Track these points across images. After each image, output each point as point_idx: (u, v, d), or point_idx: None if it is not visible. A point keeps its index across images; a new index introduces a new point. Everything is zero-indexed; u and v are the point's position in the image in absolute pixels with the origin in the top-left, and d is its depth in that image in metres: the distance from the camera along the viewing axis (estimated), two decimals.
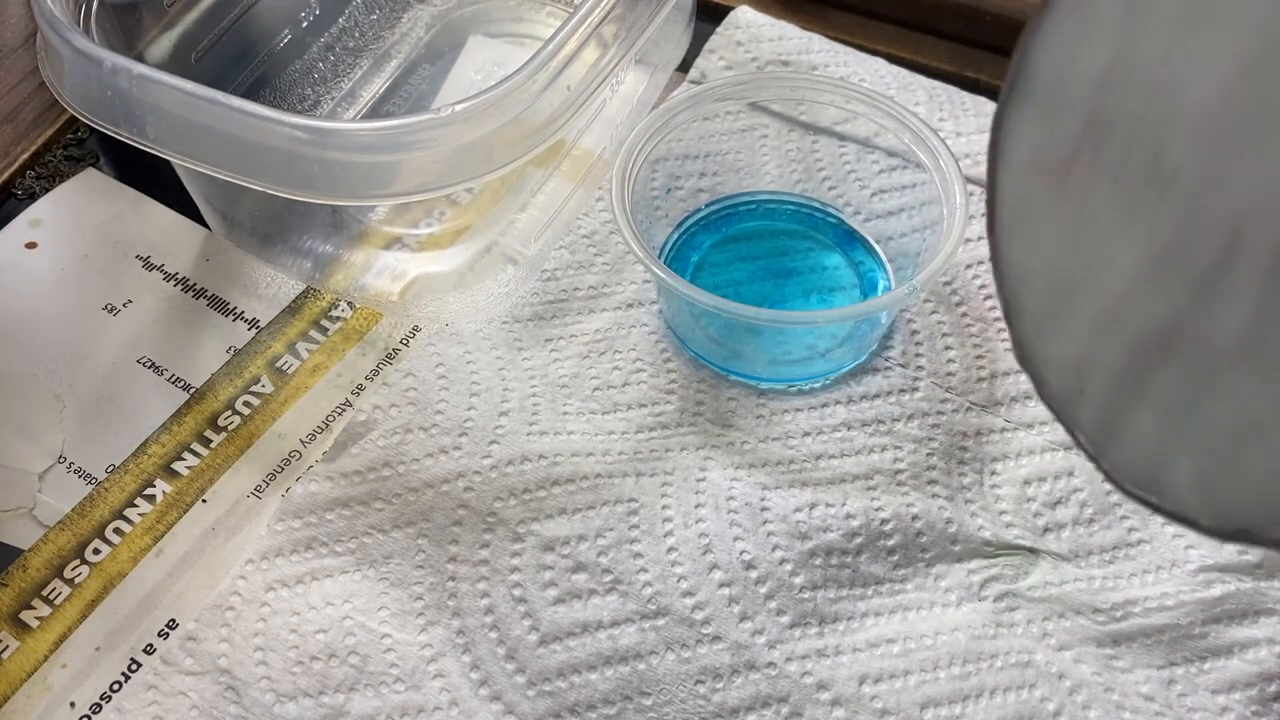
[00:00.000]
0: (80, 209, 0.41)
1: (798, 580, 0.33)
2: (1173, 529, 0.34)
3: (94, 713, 0.31)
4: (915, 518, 0.34)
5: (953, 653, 0.32)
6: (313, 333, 0.38)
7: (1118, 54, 0.21)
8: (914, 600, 0.33)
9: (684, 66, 0.44)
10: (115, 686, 0.32)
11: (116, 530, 0.34)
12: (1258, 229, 0.20)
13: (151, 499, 0.35)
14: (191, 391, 0.37)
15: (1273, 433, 0.20)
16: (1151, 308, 0.22)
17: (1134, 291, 0.22)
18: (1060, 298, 0.24)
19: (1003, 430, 0.36)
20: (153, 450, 0.36)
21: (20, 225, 0.41)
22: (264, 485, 0.35)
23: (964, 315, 0.38)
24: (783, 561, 0.33)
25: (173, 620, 0.33)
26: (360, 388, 0.37)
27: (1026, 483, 0.35)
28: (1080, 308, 0.23)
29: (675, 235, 0.40)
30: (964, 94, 0.43)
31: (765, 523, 0.33)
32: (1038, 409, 0.36)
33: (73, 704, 0.31)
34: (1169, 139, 0.21)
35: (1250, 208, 0.20)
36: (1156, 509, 0.22)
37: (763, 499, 0.34)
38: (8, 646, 0.32)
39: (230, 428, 0.36)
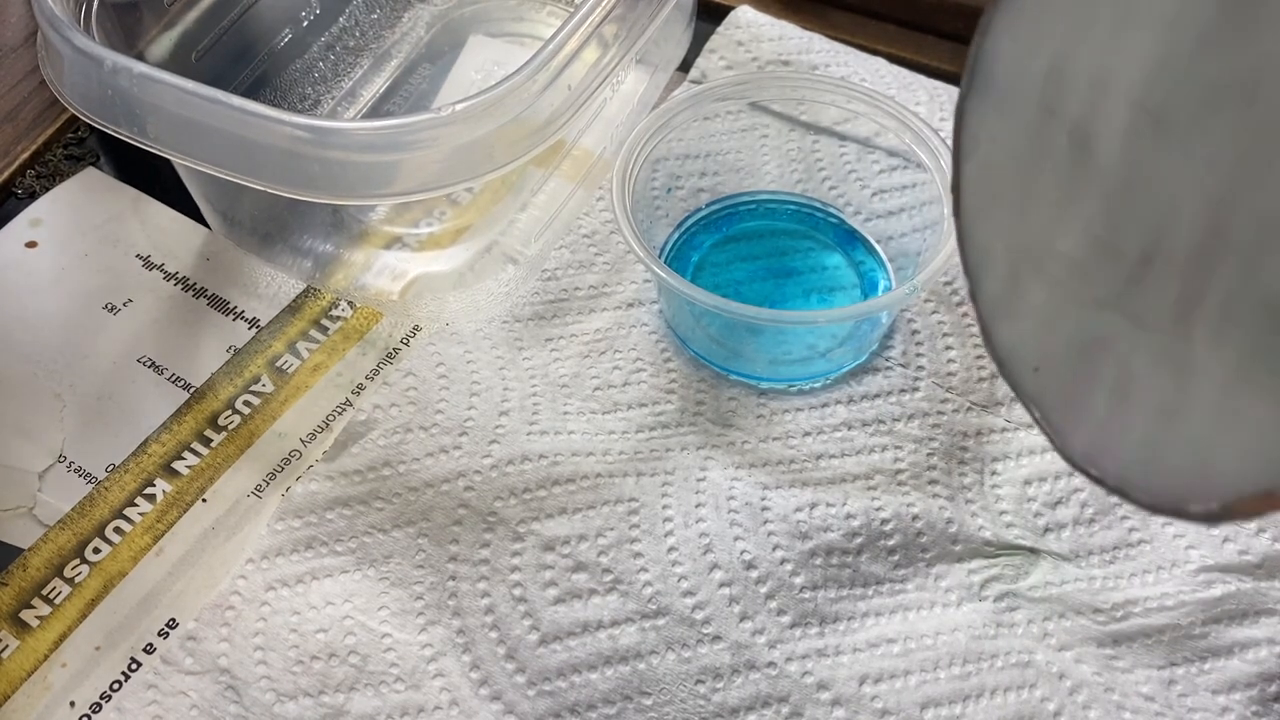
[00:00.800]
0: (80, 208, 0.41)
1: (798, 580, 0.33)
2: (1173, 529, 0.34)
3: (94, 712, 0.31)
4: (916, 518, 0.34)
5: (953, 653, 0.32)
6: (313, 332, 0.38)
7: (1062, 48, 0.23)
8: (914, 600, 0.33)
9: (684, 66, 0.44)
10: (115, 686, 0.32)
11: (117, 529, 0.34)
12: (1175, 226, 0.21)
13: (152, 498, 0.35)
14: (191, 391, 0.37)
15: (1190, 417, 0.21)
16: (1091, 292, 0.23)
17: (1075, 276, 0.24)
18: (1015, 278, 0.25)
19: (1003, 430, 0.36)
20: (153, 449, 0.36)
21: (20, 224, 0.41)
22: (264, 485, 0.35)
23: (964, 315, 0.38)
24: (783, 561, 0.33)
25: (173, 620, 0.33)
26: (360, 387, 0.37)
27: (1027, 483, 0.35)
28: (1031, 288, 0.25)
29: (676, 235, 0.40)
30: None
31: (766, 522, 0.33)
32: None
33: (73, 703, 0.31)
34: (1101, 134, 0.22)
35: (1169, 204, 0.21)
36: (1098, 481, 0.23)
37: (763, 499, 0.34)
38: (8, 646, 0.32)
39: (230, 427, 0.36)
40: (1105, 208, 0.23)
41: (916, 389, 0.36)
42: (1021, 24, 0.23)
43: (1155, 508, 0.22)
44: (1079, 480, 0.34)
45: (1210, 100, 0.20)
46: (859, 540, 0.33)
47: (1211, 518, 0.20)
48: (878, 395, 0.36)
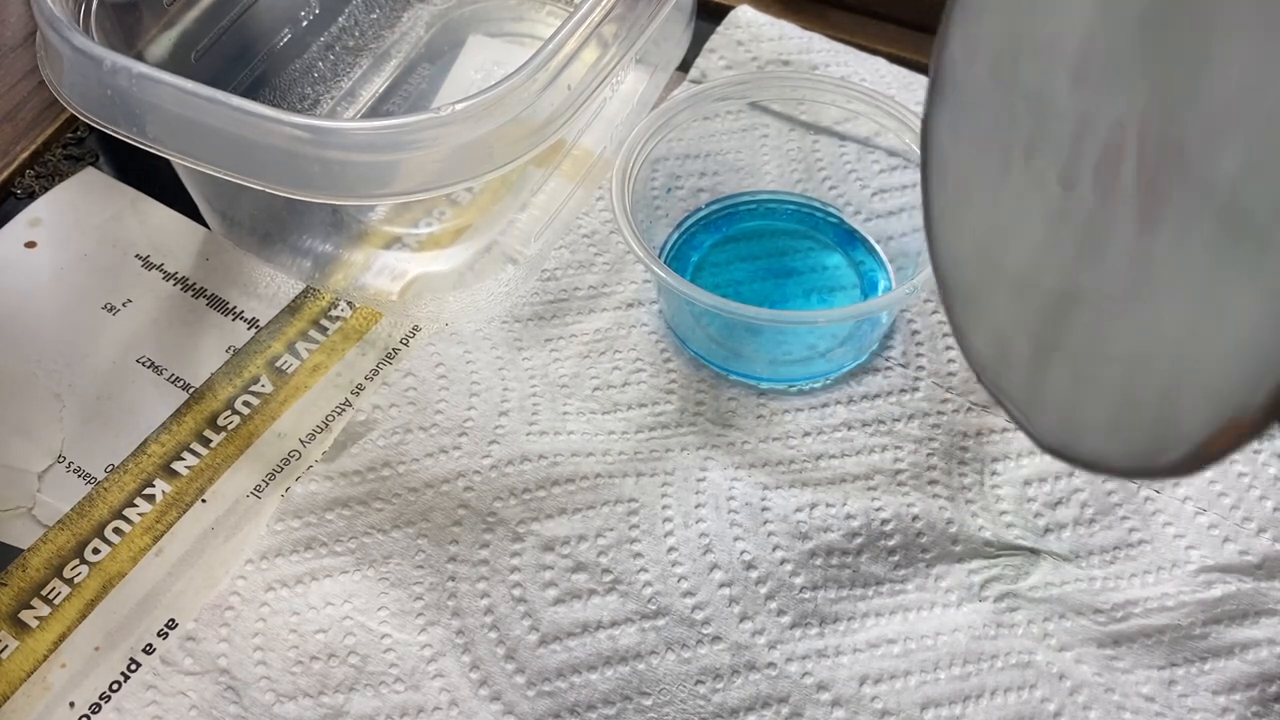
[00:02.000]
0: (80, 208, 0.41)
1: (798, 580, 0.33)
2: (1174, 529, 0.34)
3: (93, 712, 0.31)
4: (916, 518, 0.34)
5: (953, 653, 0.32)
6: (312, 332, 0.38)
7: (1009, 30, 0.24)
8: (914, 600, 0.33)
9: (684, 66, 0.44)
10: (115, 686, 0.32)
11: (116, 530, 0.34)
12: (1124, 155, 0.22)
13: (151, 499, 0.35)
14: (191, 391, 0.37)
15: (1160, 363, 0.21)
16: (1053, 268, 0.24)
17: (1038, 255, 0.24)
18: (983, 274, 0.26)
19: (1003, 430, 0.36)
20: (152, 450, 0.36)
21: (20, 224, 0.41)
22: (263, 485, 0.35)
23: None
24: (783, 561, 0.33)
25: (172, 620, 0.33)
26: (360, 387, 0.37)
27: (1027, 483, 0.35)
28: (999, 281, 0.25)
29: (675, 235, 0.40)
30: None
31: (765, 523, 0.33)
32: None
33: (72, 704, 0.31)
34: (1052, 96, 0.23)
35: (1120, 143, 0.22)
36: (1074, 461, 0.23)
37: (763, 499, 0.34)
38: (7, 646, 0.32)
39: (230, 427, 0.36)
40: (1057, 179, 0.23)
41: (916, 389, 0.36)
42: (971, 19, 0.25)
43: (1129, 472, 0.22)
44: (1079, 480, 0.34)
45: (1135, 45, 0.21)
46: (859, 540, 0.33)
47: (1184, 467, 0.20)
48: (878, 395, 0.36)
